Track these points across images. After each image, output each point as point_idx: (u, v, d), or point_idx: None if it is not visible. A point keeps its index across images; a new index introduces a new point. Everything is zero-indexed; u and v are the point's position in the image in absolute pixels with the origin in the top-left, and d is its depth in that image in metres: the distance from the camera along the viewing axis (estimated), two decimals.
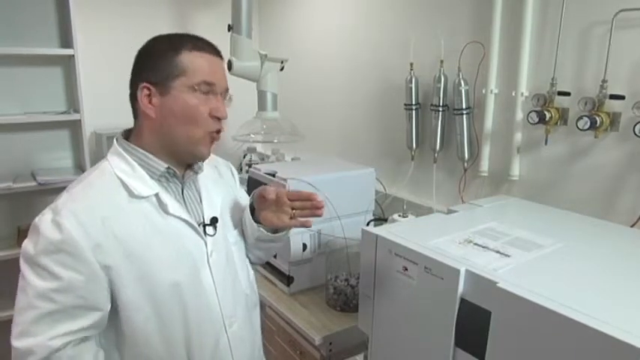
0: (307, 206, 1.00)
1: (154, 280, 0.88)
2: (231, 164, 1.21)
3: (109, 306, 0.87)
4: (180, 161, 0.97)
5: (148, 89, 0.91)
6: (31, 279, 0.81)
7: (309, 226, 1.01)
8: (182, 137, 0.92)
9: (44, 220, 0.83)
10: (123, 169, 0.92)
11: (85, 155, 2.22)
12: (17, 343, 0.81)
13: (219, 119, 0.94)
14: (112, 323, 0.89)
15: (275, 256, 1.65)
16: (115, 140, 0.97)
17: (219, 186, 1.09)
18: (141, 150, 0.94)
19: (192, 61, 0.91)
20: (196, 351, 0.95)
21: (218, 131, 0.96)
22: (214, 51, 0.96)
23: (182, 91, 0.90)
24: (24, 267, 0.83)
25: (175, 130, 0.92)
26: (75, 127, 2.33)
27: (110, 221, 0.85)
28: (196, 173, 1.02)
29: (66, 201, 0.85)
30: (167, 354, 0.92)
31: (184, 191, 0.99)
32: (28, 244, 0.83)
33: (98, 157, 0.88)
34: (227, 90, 0.98)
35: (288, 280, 1.59)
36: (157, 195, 0.92)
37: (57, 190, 2.14)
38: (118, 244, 0.85)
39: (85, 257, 0.82)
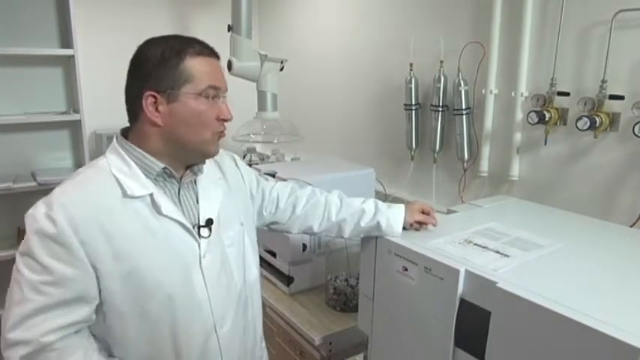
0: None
1: (141, 281, 0.88)
2: (236, 155, 1.21)
3: (99, 300, 0.88)
4: (188, 162, 0.98)
5: (154, 97, 0.90)
6: (25, 272, 0.82)
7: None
8: (193, 141, 0.94)
9: (38, 213, 0.83)
10: (120, 167, 0.92)
11: (85, 155, 2.23)
12: (10, 334, 0.81)
13: (224, 121, 0.96)
14: (97, 319, 0.89)
15: (275, 256, 1.65)
16: (114, 138, 0.97)
17: (219, 186, 1.08)
18: (139, 149, 0.94)
19: (196, 66, 0.91)
20: (184, 350, 0.95)
21: (222, 131, 0.98)
22: (214, 53, 0.96)
23: (190, 98, 0.91)
24: (18, 260, 0.83)
25: (186, 135, 0.93)
26: (75, 127, 2.34)
27: (101, 218, 0.85)
28: (195, 175, 1.02)
29: (59, 195, 0.85)
30: (153, 352, 0.93)
31: (181, 192, 0.99)
32: (25, 239, 0.84)
33: (98, 157, 0.88)
34: (226, 90, 0.99)
35: (288, 280, 1.59)
36: (151, 195, 0.92)
37: None
38: (107, 243, 0.85)
39: (77, 251, 0.83)
